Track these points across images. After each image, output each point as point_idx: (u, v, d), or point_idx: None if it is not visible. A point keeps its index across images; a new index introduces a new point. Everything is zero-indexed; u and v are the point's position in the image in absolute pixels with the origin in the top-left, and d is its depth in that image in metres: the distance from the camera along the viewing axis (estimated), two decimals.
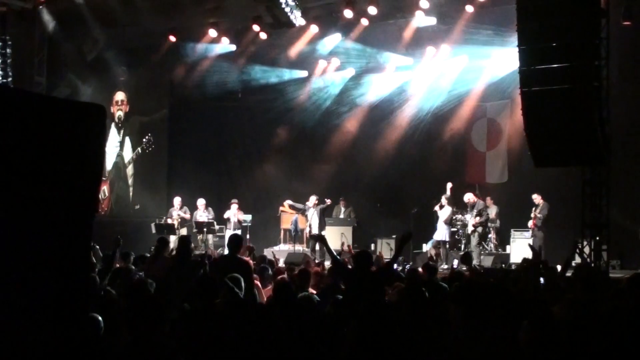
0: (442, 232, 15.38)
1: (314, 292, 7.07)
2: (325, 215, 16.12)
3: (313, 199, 15.91)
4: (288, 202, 16.67)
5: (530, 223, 14.54)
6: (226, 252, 9.22)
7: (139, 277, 7.54)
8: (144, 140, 18.43)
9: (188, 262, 7.64)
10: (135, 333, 3.99)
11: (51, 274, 3.08)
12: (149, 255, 10.18)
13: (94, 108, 3.36)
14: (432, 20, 15.59)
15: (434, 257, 14.66)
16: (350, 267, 7.23)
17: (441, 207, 15.38)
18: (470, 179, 16.78)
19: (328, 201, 16.15)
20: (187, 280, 6.70)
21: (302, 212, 16.33)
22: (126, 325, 4.18)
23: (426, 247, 15.68)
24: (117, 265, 8.35)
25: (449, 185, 15.53)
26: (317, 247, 15.51)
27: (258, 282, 7.65)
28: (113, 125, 18.74)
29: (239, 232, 15.70)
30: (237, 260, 7.30)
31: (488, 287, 4.19)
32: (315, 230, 15.59)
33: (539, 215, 14.43)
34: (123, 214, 18.46)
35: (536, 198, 14.63)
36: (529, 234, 14.61)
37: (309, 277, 7.32)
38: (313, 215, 15.83)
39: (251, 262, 8.23)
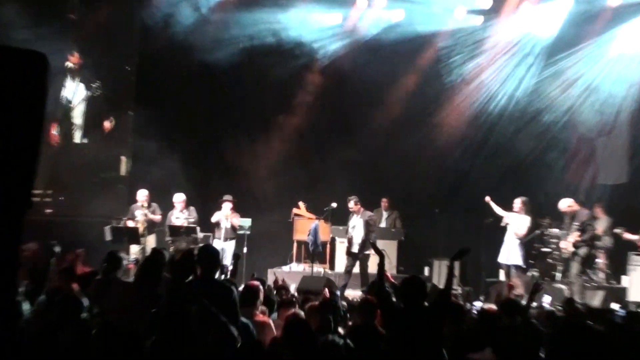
0: (513, 254, 12.39)
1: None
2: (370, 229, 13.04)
3: (353, 202, 13.04)
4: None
5: None
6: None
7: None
8: (93, 86, 15.64)
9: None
10: None
11: None
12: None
13: (34, 56, 3.17)
14: None
15: (517, 290, 11.57)
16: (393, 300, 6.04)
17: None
18: (573, 177, 14.23)
19: (368, 213, 13.29)
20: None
21: (326, 217, 13.52)
22: None
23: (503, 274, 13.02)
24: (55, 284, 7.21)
25: None
26: (357, 269, 12.94)
27: (266, 319, 6.60)
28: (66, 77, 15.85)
29: (232, 242, 13.34)
30: (218, 286, 5.92)
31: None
32: (355, 248, 12.71)
33: None
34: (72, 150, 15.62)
35: None
36: None
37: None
38: (356, 226, 12.82)
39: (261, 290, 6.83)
